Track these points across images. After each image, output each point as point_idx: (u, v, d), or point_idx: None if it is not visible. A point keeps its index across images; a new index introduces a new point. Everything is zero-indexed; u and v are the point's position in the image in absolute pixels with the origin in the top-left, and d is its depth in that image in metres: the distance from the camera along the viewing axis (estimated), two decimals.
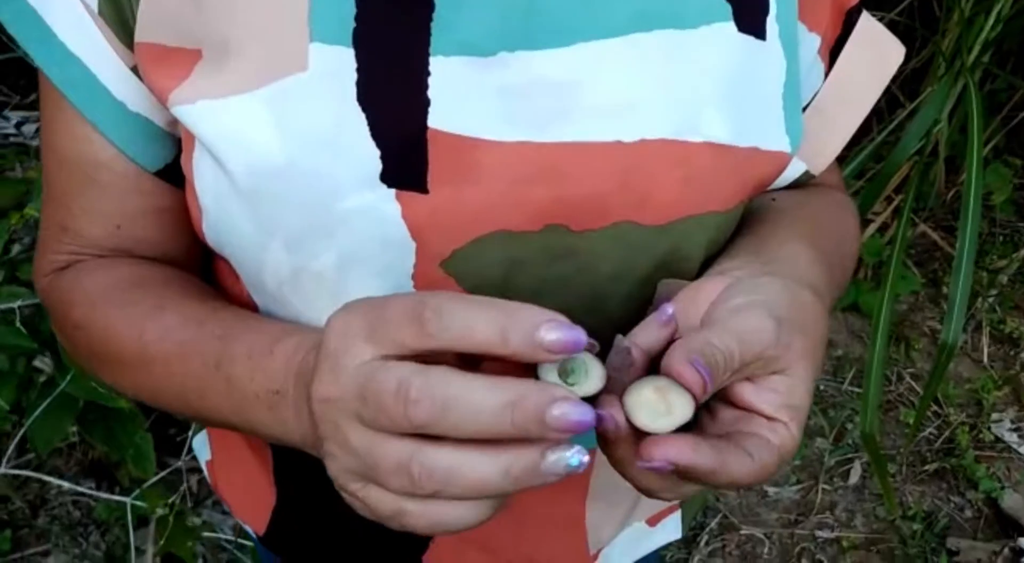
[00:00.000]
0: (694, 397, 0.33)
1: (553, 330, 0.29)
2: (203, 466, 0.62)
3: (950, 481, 1.59)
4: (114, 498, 0.96)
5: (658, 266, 0.43)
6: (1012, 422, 1.65)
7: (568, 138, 0.39)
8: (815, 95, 0.50)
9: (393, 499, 0.31)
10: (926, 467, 1.61)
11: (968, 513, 1.55)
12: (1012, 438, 1.63)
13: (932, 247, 1.92)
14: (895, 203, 1.77)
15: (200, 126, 0.39)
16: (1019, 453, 1.61)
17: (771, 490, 1.58)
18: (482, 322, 0.29)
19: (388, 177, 0.38)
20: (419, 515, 0.31)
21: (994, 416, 1.66)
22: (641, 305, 0.45)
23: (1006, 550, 1.48)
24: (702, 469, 0.32)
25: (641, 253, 0.42)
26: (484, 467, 0.29)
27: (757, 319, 0.35)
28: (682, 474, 0.33)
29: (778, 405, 0.35)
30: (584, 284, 0.42)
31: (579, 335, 0.29)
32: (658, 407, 0.33)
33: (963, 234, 1.24)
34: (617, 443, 0.34)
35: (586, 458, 0.29)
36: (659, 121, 0.40)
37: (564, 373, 0.33)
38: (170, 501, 0.76)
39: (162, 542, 0.67)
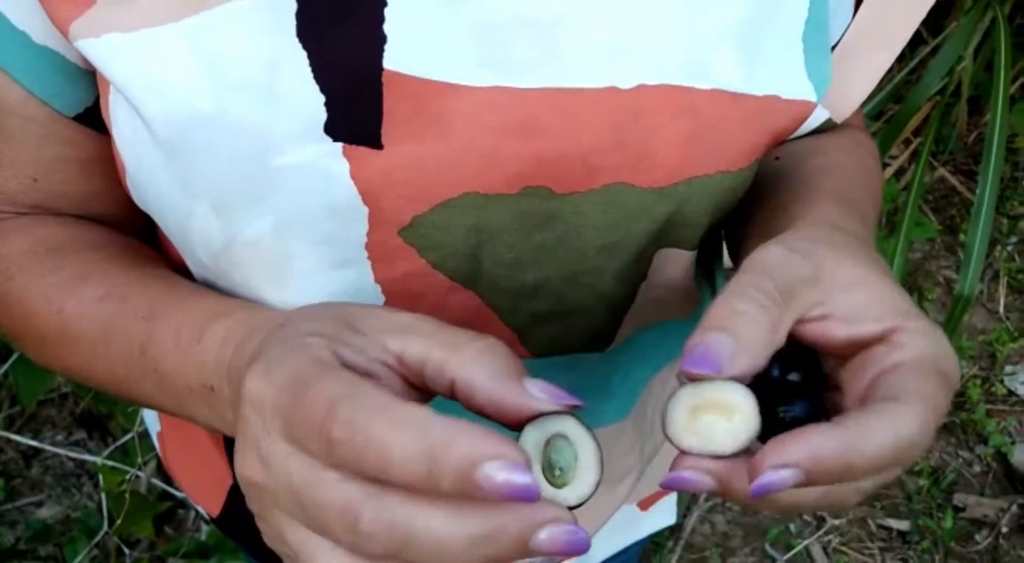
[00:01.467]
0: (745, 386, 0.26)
1: (499, 471, 0.22)
2: (153, 438, 0.57)
3: (959, 436, 1.55)
4: (87, 458, 0.93)
5: (656, 235, 0.37)
6: None
7: (552, 84, 0.32)
8: (843, 35, 0.43)
9: None
10: None
11: (976, 468, 1.51)
12: None
13: (950, 192, 1.85)
14: (913, 146, 1.69)
15: (109, 65, 0.33)
16: None
17: None
18: (403, 450, 0.22)
19: (334, 128, 0.32)
20: None
21: (1008, 369, 1.61)
22: (635, 280, 0.39)
23: (1014, 507, 1.45)
24: (832, 456, 0.25)
25: (636, 220, 0.36)
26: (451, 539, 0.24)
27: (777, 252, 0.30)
28: (811, 478, 0.26)
29: (879, 315, 0.28)
30: (568, 256, 0.36)
31: (530, 484, 0.22)
32: (709, 423, 0.26)
33: (984, 177, 1.17)
34: (722, 489, 0.27)
35: (588, 539, 0.24)
36: (660, 64, 0.33)
37: (549, 466, 0.26)
38: (128, 477, 0.72)
39: (119, 521, 0.63)
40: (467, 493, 0.22)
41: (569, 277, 0.37)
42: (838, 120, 0.45)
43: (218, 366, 0.31)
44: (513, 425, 0.26)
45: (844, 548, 1.43)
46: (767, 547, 1.43)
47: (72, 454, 1.03)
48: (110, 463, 0.85)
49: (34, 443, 1.02)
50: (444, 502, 0.23)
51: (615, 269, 0.37)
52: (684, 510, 1.46)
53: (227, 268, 0.36)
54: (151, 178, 0.35)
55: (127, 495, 0.65)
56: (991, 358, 1.63)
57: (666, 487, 0.27)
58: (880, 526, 1.46)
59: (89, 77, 0.38)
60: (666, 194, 0.35)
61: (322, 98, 0.31)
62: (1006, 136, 1.22)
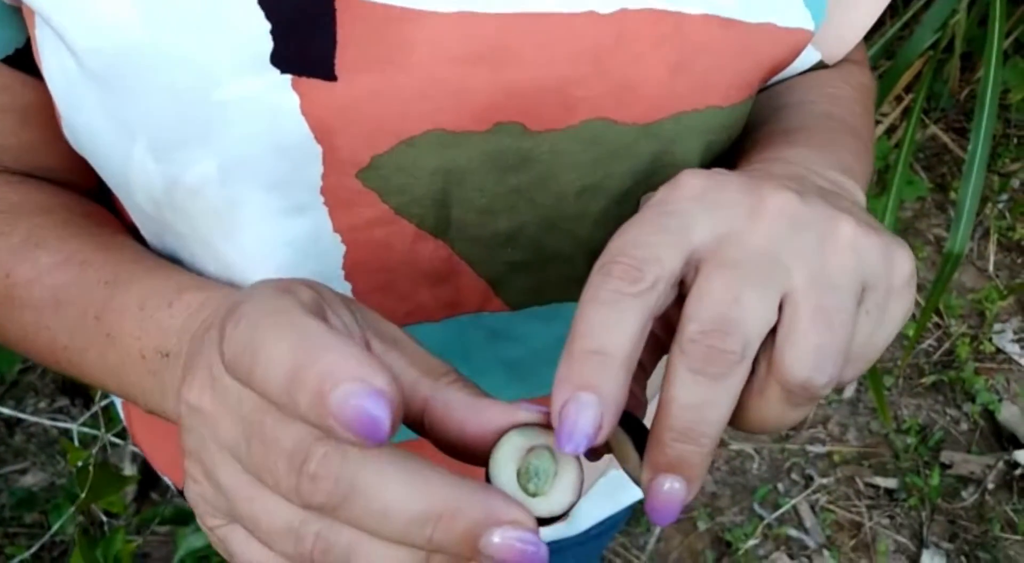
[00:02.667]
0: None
1: (351, 396, 0.19)
2: (119, 408, 0.54)
3: (947, 394, 1.55)
4: (62, 425, 0.90)
5: (640, 177, 0.34)
6: (1015, 333, 1.60)
7: (524, 8, 0.30)
8: None
9: (269, 556, 0.23)
10: (923, 380, 1.56)
11: (964, 426, 1.51)
12: (1014, 349, 1.58)
13: (941, 150, 1.82)
14: (905, 103, 1.66)
15: None
16: (1020, 364, 1.56)
17: None
18: (269, 361, 0.20)
19: (281, 59, 0.29)
20: None
21: (996, 327, 1.60)
22: (618, 226, 0.36)
23: (1000, 463, 1.45)
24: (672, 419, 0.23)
25: (619, 160, 0.33)
26: (400, 553, 0.22)
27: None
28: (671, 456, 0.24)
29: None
30: (545, 200, 0.34)
31: (381, 420, 0.19)
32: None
33: (976, 133, 1.15)
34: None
35: (546, 558, 0.21)
36: None
37: (525, 474, 0.24)
38: (95, 449, 0.70)
39: (83, 495, 0.61)
40: (324, 423, 0.19)
41: (546, 223, 0.34)
42: (830, 62, 0.43)
43: (183, 331, 0.29)
44: (486, 451, 0.24)
45: (831, 506, 1.43)
46: (755, 506, 1.43)
47: (46, 422, 1.01)
48: (86, 430, 0.83)
49: (12, 413, 0.99)
50: (401, 465, 0.21)
51: (596, 214, 0.35)
52: None
53: (171, 218, 0.33)
54: (84, 118, 0.32)
55: (91, 468, 0.63)
56: (980, 316, 1.62)
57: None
58: (867, 484, 1.46)
59: (17, 14, 0.35)
60: (651, 131, 0.33)
61: (267, 25, 0.29)
62: (999, 92, 1.20)
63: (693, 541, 1.41)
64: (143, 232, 0.37)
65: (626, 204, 0.35)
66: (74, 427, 0.84)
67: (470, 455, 0.24)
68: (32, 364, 1.61)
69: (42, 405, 1.56)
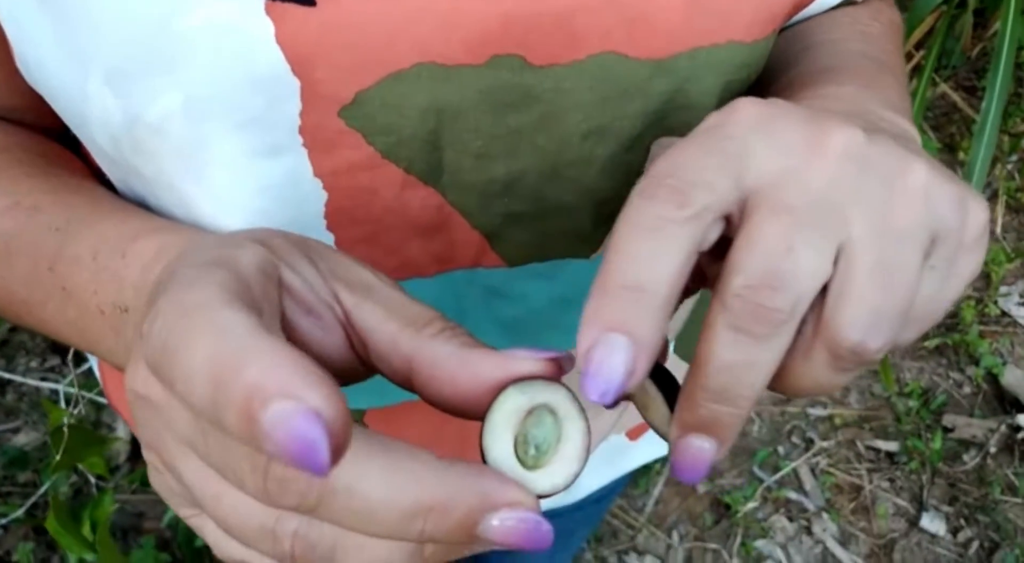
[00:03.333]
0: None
1: (282, 416, 0.15)
2: (94, 367, 0.52)
3: (950, 357, 1.53)
4: (49, 386, 0.88)
5: (652, 119, 0.31)
6: (1021, 296, 1.57)
7: None
8: None
9: (246, 553, 0.21)
10: (926, 343, 1.54)
11: (967, 390, 1.50)
12: (1019, 312, 1.56)
13: (951, 109, 1.78)
14: (916, 60, 1.61)
15: None
16: None
17: None
18: (193, 368, 0.17)
19: None
20: None
21: (1002, 289, 1.58)
22: (627, 174, 0.33)
23: (1003, 427, 1.44)
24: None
25: (629, 100, 0.30)
26: (387, 547, 0.19)
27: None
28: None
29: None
30: (548, 144, 0.31)
31: (316, 446, 0.15)
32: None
33: (991, 90, 1.11)
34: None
35: (550, 534, 0.19)
36: None
37: (523, 441, 0.21)
38: (73, 411, 0.68)
39: (58, 456, 0.59)
40: (253, 442, 0.16)
41: (548, 170, 0.31)
42: None
43: (140, 284, 0.26)
44: (484, 408, 0.21)
45: (831, 469, 1.42)
46: (755, 469, 1.42)
47: (31, 382, 0.99)
48: (73, 390, 0.81)
49: (2, 373, 0.97)
50: (382, 457, 0.18)
51: (603, 160, 0.32)
52: None
53: (135, 159, 0.30)
54: (36, 49, 0.28)
55: (64, 429, 0.60)
56: (986, 278, 1.59)
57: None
58: (868, 447, 1.45)
59: None
60: (665, 67, 0.29)
61: None
62: (1015, 48, 1.16)
63: (692, 504, 1.40)
64: (109, 177, 0.34)
65: (636, 150, 0.32)
66: (60, 387, 0.82)
67: (469, 415, 0.22)
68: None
69: (33, 364, 1.54)
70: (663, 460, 1.43)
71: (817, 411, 1.48)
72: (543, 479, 0.21)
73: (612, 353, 0.20)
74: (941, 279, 0.21)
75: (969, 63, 1.78)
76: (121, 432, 1.37)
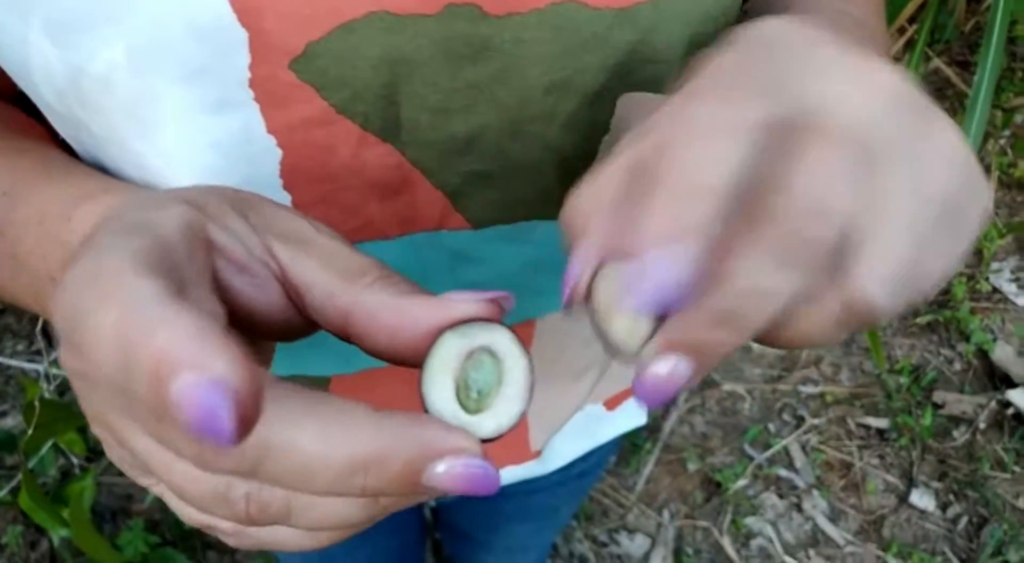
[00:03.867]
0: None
1: (189, 387, 0.15)
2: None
3: (941, 334, 1.53)
4: (31, 366, 0.87)
5: (616, 72, 0.30)
6: (1012, 272, 1.57)
7: None
8: None
9: (206, 517, 0.21)
10: (918, 320, 1.54)
11: (957, 366, 1.49)
12: (1010, 289, 1.55)
13: (944, 85, 1.76)
14: (908, 34, 1.60)
15: None
16: (1016, 304, 1.54)
17: (755, 345, 1.51)
18: (100, 336, 0.16)
19: None
20: (242, 538, 0.22)
21: (994, 266, 1.57)
22: (592, 130, 0.32)
23: (993, 403, 1.44)
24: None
25: (591, 51, 0.29)
26: (337, 501, 0.19)
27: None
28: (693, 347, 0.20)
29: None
30: (508, 98, 0.30)
31: (222, 417, 0.15)
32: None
33: (983, 64, 1.10)
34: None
35: (497, 479, 0.18)
36: None
37: (463, 389, 0.20)
38: (49, 387, 0.67)
39: (31, 430, 0.58)
40: (164, 412, 0.15)
41: (510, 125, 0.30)
42: None
43: None
44: (422, 356, 0.21)
45: (822, 446, 1.42)
46: (746, 447, 1.42)
47: (16, 363, 0.98)
48: (57, 372, 0.80)
49: None
50: (315, 412, 0.18)
51: (566, 116, 0.31)
52: (661, 410, 1.44)
53: (83, 115, 0.29)
54: None
55: (36, 403, 0.59)
56: (977, 254, 1.59)
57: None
58: (859, 424, 1.45)
59: None
60: (627, 16, 0.28)
61: None
62: (1008, 23, 1.14)
63: (683, 482, 1.40)
64: (63, 136, 0.33)
65: (600, 104, 0.31)
66: (42, 367, 0.81)
67: (410, 364, 0.21)
68: (9, 305, 1.58)
69: (20, 347, 1.53)
70: (654, 439, 1.43)
71: (808, 389, 1.48)
72: (487, 422, 0.20)
73: (668, 263, 0.18)
74: (952, 244, 0.20)
75: (962, 38, 1.77)
76: None
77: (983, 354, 1.50)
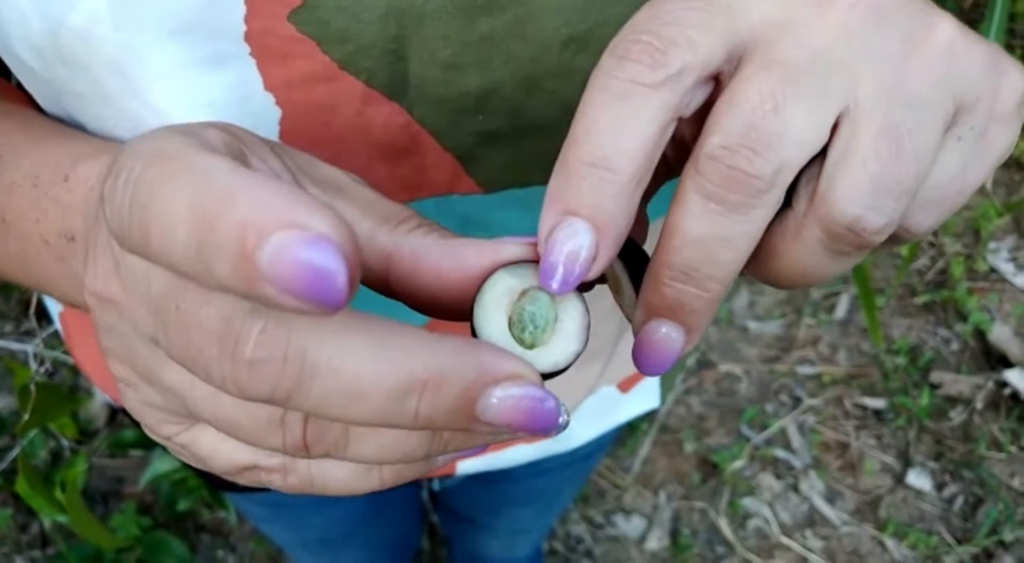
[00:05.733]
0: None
1: (288, 248, 0.13)
2: (55, 320, 0.49)
3: (939, 314, 1.52)
4: (19, 347, 0.85)
5: None
6: (1010, 252, 1.56)
7: None
8: None
9: (251, 453, 0.20)
10: (915, 300, 1.53)
11: (954, 346, 1.49)
12: (1008, 268, 1.55)
13: None
14: None
15: None
16: (1013, 284, 1.53)
17: (752, 325, 1.51)
18: (172, 214, 0.15)
19: None
20: (291, 475, 0.20)
21: (991, 245, 1.56)
22: None
23: (990, 383, 1.44)
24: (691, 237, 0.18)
25: (614, 2, 0.27)
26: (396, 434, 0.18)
27: None
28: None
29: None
30: (524, 52, 0.28)
31: (335, 274, 0.13)
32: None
33: (985, 37, 1.09)
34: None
35: (558, 410, 0.17)
36: None
37: (518, 323, 0.19)
38: (40, 370, 0.65)
39: (27, 416, 0.57)
40: (257, 291, 0.14)
41: (526, 82, 0.28)
42: None
43: (86, 209, 0.24)
44: (469, 301, 0.19)
45: (819, 427, 1.42)
46: (743, 428, 1.42)
47: (3, 343, 0.96)
48: (47, 353, 0.78)
49: None
50: (364, 330, 0.16)
51: (585, 72, 0.29)
52: (667, 392, 1.43)
53: (65, 74, 0.27)
54: None
55: (32, 387, 0.58)
56: (975, 234, 1.58)
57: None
58: (856, 405, 1.45)
59: None
60: None
61: None
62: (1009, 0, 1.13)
63: (679, 463, 1.40)
64: (41, 103, 0.31)
65: None
66: (30, 348, 0.79)
67: (454, 312, 0.20)
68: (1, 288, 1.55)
69: (8, 328, 1.51)
70: (650, 421, 1.42)
71: (805, 369, 1.47)
72: (542, 357, 0.19)
73: (572, 239, 0.18)
74: (967, 154, 0.19)
75: (962, 14, 1.75)
76: (98, 395, 1.35)
77: (980, 334, 1.49)
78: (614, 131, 0.18)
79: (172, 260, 0.15)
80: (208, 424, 0.19)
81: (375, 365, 0.15)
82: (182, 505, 1.26)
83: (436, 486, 0.74)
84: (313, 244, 0.13)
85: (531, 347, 0.19)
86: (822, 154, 0.18)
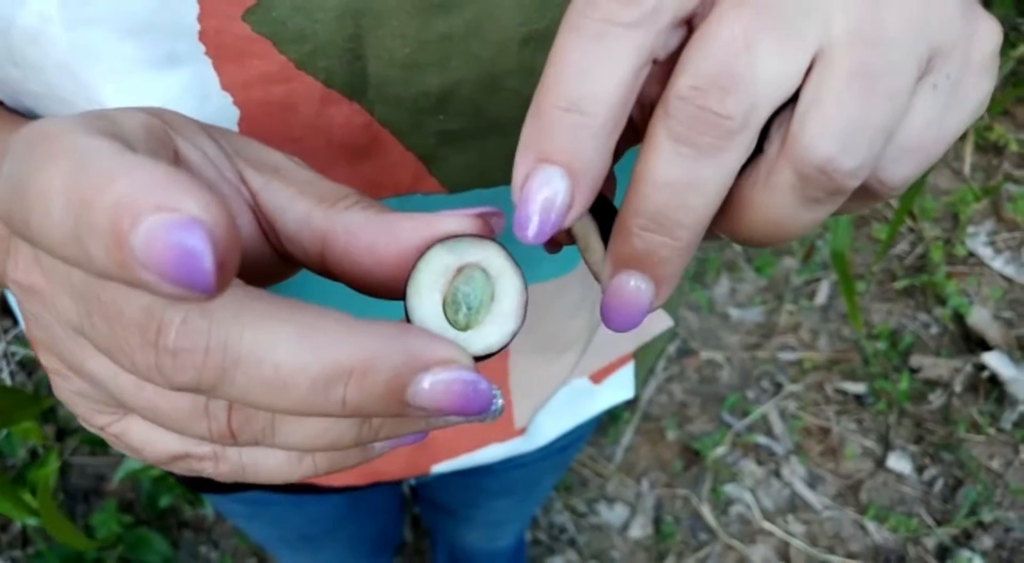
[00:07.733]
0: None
1: (158, 231, 0.13)
2: (16, 311, 0.48)
3: (918, 298, 1.53)
4: None
5: None
6: (987, 236, 1.57)
7: None
8: None
9: (180, 442, 0.20)
10: (895, 284, 1.54)
11: (934, 330, 1.50)
12: (986, 252, 1.56)
13: None
14: None
15: None
16: (991, 268, 1.54)
17: (733, 312, 1.51)
18: (46, 197, 0.14)
19: None
20: (223, 463, 0.20)
21: (970, 230, 1.57)
22: None
23: (968, 366, 1.45)
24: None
25: None
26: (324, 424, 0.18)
27: None
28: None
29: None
30: (483, 51, 0.27)
31: (201, 255, 0.13)
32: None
33: None
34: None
35: (490, 395, 0.17)
36: None
37: (452, 304, 0.19)
38: (7, 368, 0.64)
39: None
40: (132, 276, 0.13)
41: (485, 81, 0.28)
42: None
43: None
44: (406, 279, 0.19)
45: (800, 413, 1.43)
46: (724, 414, 1.42)
47: None
48: (13, 349, 0.77)
49: None
50: (289, 317, 0.15)
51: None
52: (642, 383, 1.43)
53: (18, 73, 0.26)
54: None
55: None
56: (954, 219, 1.59)
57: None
58: (836, 390, 1.46)
59: None
60: None
61: None
62: None
63: (661, 450, 1.40)
64: (2, 97, 0.31)
65: None
66: (0, 346, 0.78)
67: (393, 291, 0.19)
68: None
69: None
70: (632, 409, 1.42)
71: (787, 355, 1.48)
72: (476, 339, 0.18)
73: (546, 186, 0.17)
74: (944, 102, 0.18)
75: None
76: None
77: (959, 318, 1.50)
78: (588, 73, 0.17)
79: (51, 243, 0.14)
80: (135, 411, 0.18)
81: (298, 354, 0.15)
82: (163, 501, 1.25)
83: (412, 481, 0.73)
84: (182, 226, 0.13)
85: (465, 329, 0.19)
86: (795, 99, 0.18)
